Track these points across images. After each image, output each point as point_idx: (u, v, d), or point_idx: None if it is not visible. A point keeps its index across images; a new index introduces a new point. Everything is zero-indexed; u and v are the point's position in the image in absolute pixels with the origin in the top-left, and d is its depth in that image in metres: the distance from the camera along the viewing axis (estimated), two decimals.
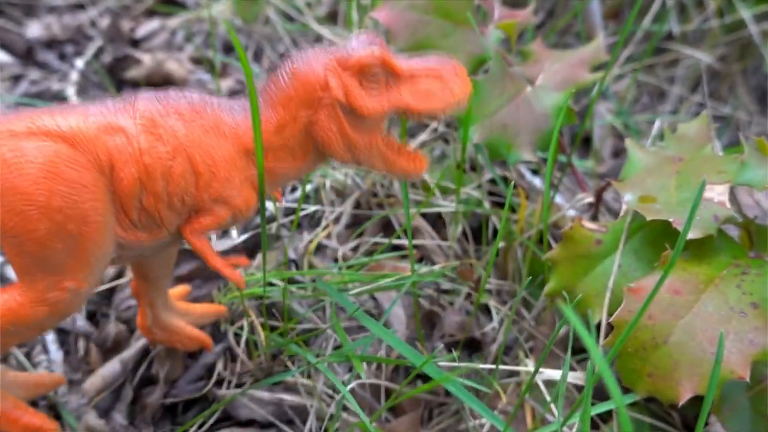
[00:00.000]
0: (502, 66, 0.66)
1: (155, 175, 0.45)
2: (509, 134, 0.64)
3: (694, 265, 0.49)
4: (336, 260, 0.78)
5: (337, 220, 0.84)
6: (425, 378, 0.67)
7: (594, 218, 0.68)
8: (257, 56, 1.13)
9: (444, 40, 0.67)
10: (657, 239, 0.55)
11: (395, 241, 0.79)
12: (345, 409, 0.62)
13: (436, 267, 0.73)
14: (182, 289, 0.66)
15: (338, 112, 0.47)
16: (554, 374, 0.59)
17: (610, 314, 0.55)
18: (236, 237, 0.80)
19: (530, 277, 0.60)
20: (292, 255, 0.78)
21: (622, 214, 0.55)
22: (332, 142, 0.48)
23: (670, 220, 0.49)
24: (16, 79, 1.02)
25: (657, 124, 0.73)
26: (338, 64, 0.47)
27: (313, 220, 0.83)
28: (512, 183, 0.50)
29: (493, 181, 0.87)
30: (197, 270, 0.74)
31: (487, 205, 0.79)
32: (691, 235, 0.48)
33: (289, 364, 0.64)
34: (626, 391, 0.52)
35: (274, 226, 0.81)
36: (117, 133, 0.45)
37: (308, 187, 0.87)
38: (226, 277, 0.49)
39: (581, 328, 0.27)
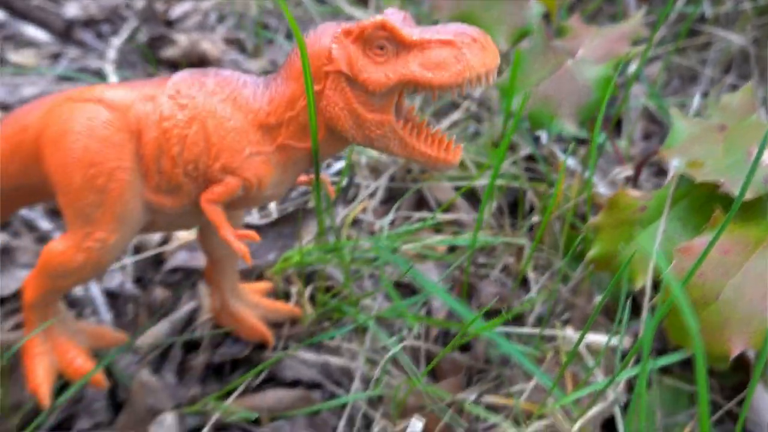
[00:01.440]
0: (544, 38, 0.67)
1: (172, 140, 0.48)
2: (551, 105, 0.65)
3: (742, 226, 0.50)
4: (372, 233, 0.79)
5: (372, 195, 0.85)
6: (463, 348, 0.68)
7: (634, 188, 0.68)
8: (288, 38, 1.14)
9: (487, 13, 0.68)
10: (703, 206, 0.56)
11: (429, 215, 0.80)
12: (387, 372, 0.63)
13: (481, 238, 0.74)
14: (264, 284, 0.68)
15: (343, 85, 0.45)
16: (596, 338, 0.60)
17: (654, 280, 0.56)
18: (274, 210, 0.82)
19: (571, 249, 0.61)
20: (330, 224, 0.79)
21: (667, 180, 0.56)
22: (339, 118, 0.45)
23: (721, 181, 0.49)
24: (56, 57, 1.04)
25: (696, 99, 0.74)
26: (344, 33, 0.45)
27: (348, 196, 0.85)
28: (569, 147, 0.50)
29: (528, 158, 0.88)
30: None
31: (523, 180, 0.80)
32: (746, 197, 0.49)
33: (333, 330, 0.65)
34: (673, 351, 0.53)
35: (311, 199, 0.83)
36: (149, 101, 0.49)
37: (342, 164, 0.88)
38: (233, 249, 0.49)
39: (661, 259, 0.28)
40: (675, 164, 0.54)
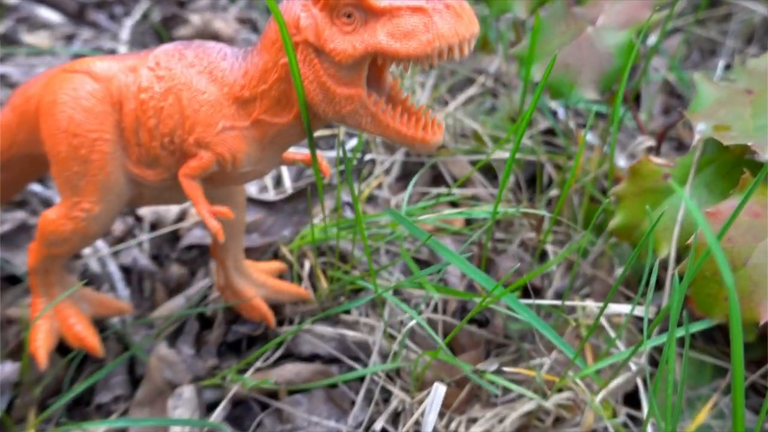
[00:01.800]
0: (564, 5, 0.65)
1: (148, 112, 0.47)
2: (571, 73, 0.63)
3: None
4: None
5: (388, 171, 0.84)
6: (482, 324, 0.68)
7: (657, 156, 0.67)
8: None
9: None
10: (729, 172, 0.54)
11: (446, 190, 0.79)
12: (405, 347, 0.62)
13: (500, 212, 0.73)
14: (276, 265, 0.67)
15: (312, 56, 0.42)
16: (617, 309, 0.59)
17: (679, 247, 0.55)
18: (290, 186, 0.81)
19: (590, 223, 0.60)
20: (346, 199, 0.79)
21: (693, 146, 0.54)
22: (308, 92, 0.43)
23: (750, 144, 0.48)
24: (69, 38, 1.04)
25: (720, 67, 0.72)
26: (312, 1, 0.42)
27: (364, 172, 0.84)
28: (589, 118, 0.49)
29: (546, 132, 0.87)
30: (255, 223, 0.75)
31: (541, 153, 0.79)
32: None
33: (349, 305, 0.65)
34: (697, 320, 0.51)
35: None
36: (131, 72, 0.48)
37: (356, 140, 0.88)
38: (206, 225, 0.47)
39: (692, 206, 0.27)
40: (700, 129, 0.52)
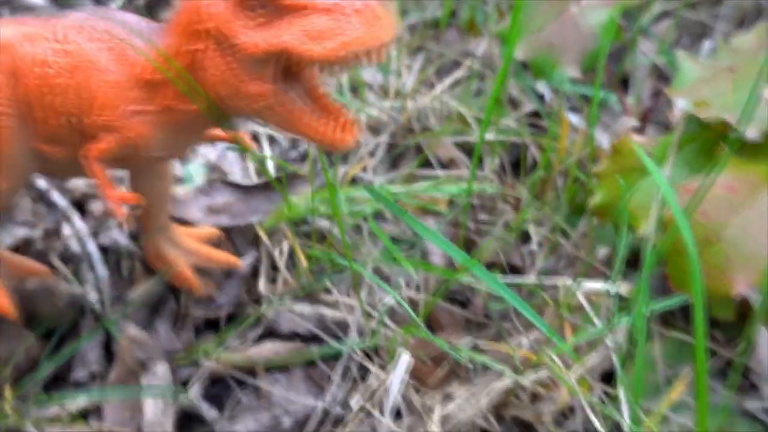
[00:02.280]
0: None
1: (45, 88, 0.44)
2: (555, 52, 0.63)
3: (750, 164, 0.48)
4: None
5: (372, 153, 0.84)
6: (463, 304, 0.67)
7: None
8: None
9: None
10: (711, 149, 0.54)
11: (431, 172, 0.79)
12: (383, 325, 0.62)
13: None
14: (209, 231, 0.65)
15: (220, 47, 0.39)
16: (595, 286, 0.59)
17: (657, 226, 0.54)
18: (273, 173, 0.81)
19: (574, 201, 0.60)
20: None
21: (674, 123, 0.54)
22: (216, 85, 0.40)
23: (726, 117, 0.47)
24: None
25: (707, 44, 0.71)
26: None
27: (347, 156, 0.83)
28: (560, 93, 0.48)
29: (533, 115, 0.86)
30: (228, 203, 0.74)
31: (526, 135, 0.79)
32: (749, 135, 0.47)
33: (329, 285, 0.64)
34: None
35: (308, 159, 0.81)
36: (33, 41, 0.44)
37: None
38: (109, 209, 0.45)
39: (660, 180, 0.26)
40: (681, 105, 0.52)
